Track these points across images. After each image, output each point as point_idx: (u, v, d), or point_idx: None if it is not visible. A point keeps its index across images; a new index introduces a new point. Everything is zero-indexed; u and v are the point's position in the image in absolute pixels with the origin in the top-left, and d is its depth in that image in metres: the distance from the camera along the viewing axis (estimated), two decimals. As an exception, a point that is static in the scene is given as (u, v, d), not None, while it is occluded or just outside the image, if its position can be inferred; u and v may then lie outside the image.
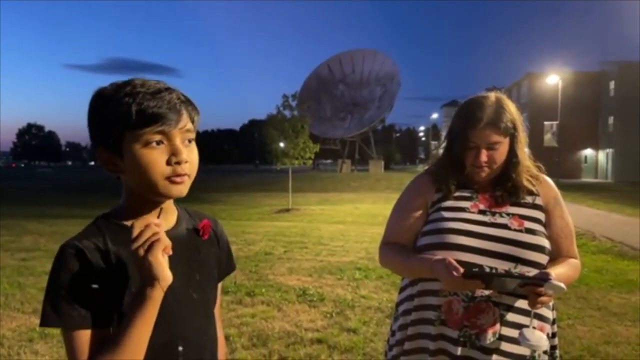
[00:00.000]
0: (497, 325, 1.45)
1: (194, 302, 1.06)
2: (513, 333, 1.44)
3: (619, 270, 7.07)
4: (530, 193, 1.58)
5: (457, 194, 1.58)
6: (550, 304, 1.51)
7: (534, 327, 1.41)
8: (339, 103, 61.72)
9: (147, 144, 0.95)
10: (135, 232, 0.91)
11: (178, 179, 0.97)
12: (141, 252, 0.89)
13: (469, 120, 1.51)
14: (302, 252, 8.04)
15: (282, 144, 19.48)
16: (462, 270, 1.32)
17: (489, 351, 1.45)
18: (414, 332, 1.55)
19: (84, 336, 0.92)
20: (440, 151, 1.68)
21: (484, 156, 1.51)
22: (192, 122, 1.00)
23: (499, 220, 1.53)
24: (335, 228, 11.92)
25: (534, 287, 1.32)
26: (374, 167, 56.95)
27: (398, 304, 1.66)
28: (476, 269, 1.43)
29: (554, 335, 1.57)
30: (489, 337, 1.45)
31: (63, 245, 0.96)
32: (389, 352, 1.66)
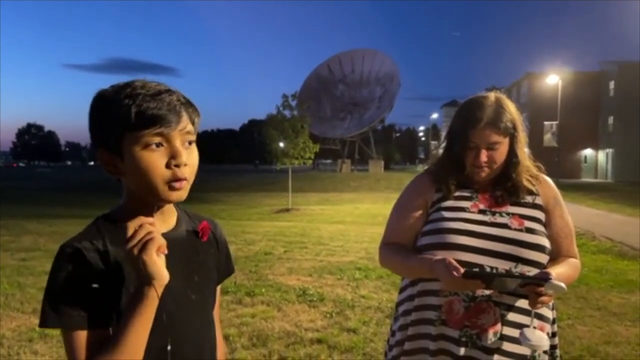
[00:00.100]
0: (498, 325, 1.45)
1: (192, 303, 1.06)
2: (514, 333, 1.44)
3: (618, 270, 7.07)
4: (530, 193, 1.58)
5: (457, 193, 1.58)
6: (550, 303, 1.51)
7: (534, 327, 1.41)
8: (338, 103, 61.71)
9: (146, 145, 0.94)
10: (129, 232, 0.91)
11: (177, 185, 0.97)
12: (135, 251, 0.89)
13: (469, 120, 1.51)
14: (302, 252, 8.04)
15: (282, 144, 19.48)
16: (462, 270, 1.32)
17: (491, 351, 1.45)
18: (414, 333, 1.55)
19: (83, 336, 0.92)
20: (440, 151, 1.68)
21: (484, 156, 1.51)
22: (193, 124, 1.00)
23: (499, 219, 1.53)
24: (335, 228, 11.92)
25: (534, 286, 1.32)
26: (374, 167, 56.94)
27: (398, 304, 1.66)
28: (476, 269, 1.43)
29: (554, 334, 1.57)
30: (490, 337, 1.45)
31: (62, 246, 0.96)
32: (389, 353, 1.66)
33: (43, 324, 0.93)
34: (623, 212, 15.65)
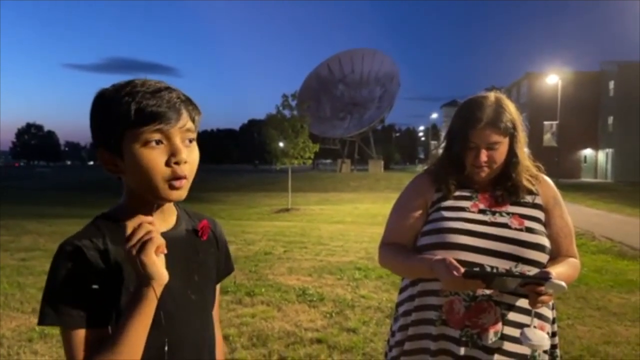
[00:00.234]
0: (499, 325, 1.45)
1: (192, 303, 1.05)
2: (514, 332, 1.44)
3: (618, 270, 7.07)
4: (530, 192, 1.58)
5: (456, 193, 1.58)
6: (550, 303, 1.51)
7: (534, 327, 1.41)
8: (338, 103, 61.69)
9: (146, 143, 0.94)
10: (128, 232, 0.91)
11: (177, 183, 0.97)
12: (133, 251, 0.89)
13: (468, 120, 1.51)
14: (302, 252, 8.04)
15: (281, 144, 19.48)
16: (462, 270, 1.32)
17: (491, 351, 1.45)
18: (414, 333, 1.55)
19: (82, 335, 0.91)
20: (440, 151, 1.68)
21: (483, 156, 1.51)
22: (193, 121, 1.00)
23: (499, 219, 1.53)
24: (334, 228, 11.92)
25: (534, 286, 1.32)
26: (374, 167, 56.95)
27: (398, 305, 1.66)
28: (477, 269, 1.43)
29: (554, 334, 1.58)
30: (491, 337, 1.45)
31: (62, 244, 0.95)
32: (389, 353, 1.65)
33: (42, 322, 0.92)
34: (623, 212, 15.65)
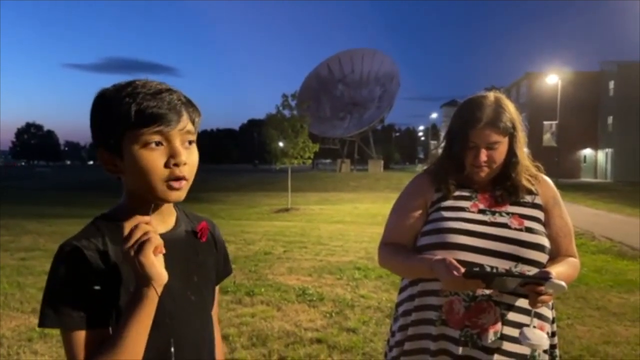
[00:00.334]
0: (499, 325, 1.45)
1: (191, 303, 1.06)
2: (514, 332, 1.44)
3: (618, 270, 7.07)
4: (530, 192, 1.58)
5: (456, 193, 1.58)
6: (550, 303, 1.51)
7: (534, 326, 1.41)
8: (338, 103, 61.72)
9: (146, 144, 0.94)
10: (126, 233, 0.90)
11: (176, 184, 0.97)
12: (131, 252, 0.89)
13: (468, 120, 1.51)
14: (302, 251, 8.04)
15: (281, 144, 19.46)
16: (462, 270, 1.32)
17: (491, 351, 1.45)
18: (414, 333, 1.55)
19: (83, 336, 0.91)
20: (440, 151, 1.68)
21: (483, 156, 1.51)
22: (193, 123, 1.00)
23: (499, 219, 1.53)
24: (334, 228, 11.92)
25: (534, 286, 1.32)
26: (374, 167, 56.96)
27: (398, 305, 1.66)
28: (477, 269, 1.43)
29: (553, 334, 1.58)
30: (491, 337, 1.45)
31: (62, 245, 0.95)
32: (388, 353, 1.65)
33: (42, 323, 0.92)
34: (622, 212, 15.65)
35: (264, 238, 9.57)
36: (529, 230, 1.51)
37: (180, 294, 1.03)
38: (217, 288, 1.20)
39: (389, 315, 4.26)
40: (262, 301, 5.00)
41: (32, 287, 5.34)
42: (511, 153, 1.55)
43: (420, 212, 1.60)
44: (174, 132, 0.95)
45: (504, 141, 1.53)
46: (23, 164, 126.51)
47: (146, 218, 0.95)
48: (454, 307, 1.48)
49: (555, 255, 1.55)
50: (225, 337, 3.86)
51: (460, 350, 1.45)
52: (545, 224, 1.56)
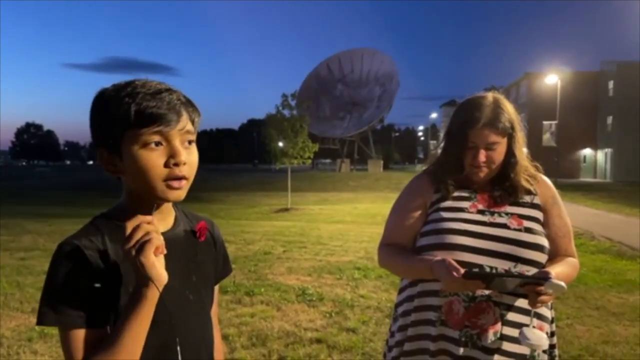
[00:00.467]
0: (498, 325, 1.46)
1: (190, 303, 1.06)
2: (514, 332, 1.44)
3: (617, 270, 7.07)
4: (529, 192, 1.58)
5: (455, 194, 1.58)
6: (549, 303, 1.51)
7: (534, 326, 1.42)
8: (338, 103, 61.71)
9: (145, 144, 0.94)
10: (127, 232, 0.90)
11: (176, 184, 0.97)
12: (133, 252, 0.89)
13: (467, 120, 1.51)
14: (301, 251, 8.04)
15: (281, 144, 19.45)
16: (462, 270, 1.32)
17: (491, 351, 1.45)
18: (414, 333, 1.55)
19: (81, 335, 0.91)
20: (439, 151, 1.68)
21: (482, 156, 1.51)
22: (193, 123, 1.00)
23: (498, 219, 1.53)
24: (334, 228, 11.92)
25: (534, 286, 1.32)
26: (373, 167, 56.98)
27: (397, 305, 1.66)
28: (476, 269, 1.43)
29: (552, 334, 1.58)
30: (490, 337, 1.45)
31: (61, 244, 0.95)
32: (388, 354, 1.66)
33: (40, 322, 0.92)
34: (622, 211, 15.66)
35: (263, 238, 9.57)
36: (528, 230, 1.51)
37: (178, 294, 1.03)
38: (216, 288, 1.20)
39: (389, 315, 4.26)
40: (261, 301, 5.01)
41: (31, 287, 5.34)
42: (510, 153, 1.55)
43: (419, 212, 1.60)
44: (174, 132, 0.95)
45: (503, 142, 1.53)
46: (24, 163, 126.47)
47: (148, 218, 0.96)
48: (454, 308, 1.48)
49: (555, 255, 1.55)
50: (225, 337, 3.86)
51: (460, 351, 1.46)
52: (544, 224, 1.56)
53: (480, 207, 1.56)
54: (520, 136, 1.57)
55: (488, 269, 1.46)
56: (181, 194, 0.99)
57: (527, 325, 1.41)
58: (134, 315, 0.90)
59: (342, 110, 61.79)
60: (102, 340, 0.91)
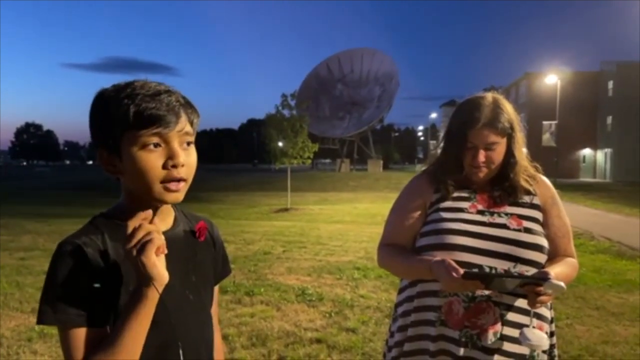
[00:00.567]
0: (498, 325, 1.46)
1: (190, 303, 1.06)
2: (514, 333, 1.44)
3: (617, 270, 7.07)
4: (528, 193, 1.58)
5: (455, 194, 1.59)
6: (549, 303, 1.51)
7: (533, 327, 1.42)
8: (337, 102, 61.72)
9: (144, 146, 0.94)
10: (128, 232, 0.91)
11: (173, 186, 0.97)
12: (134, 252, 0.89)
13: (466, 120, 1.51)
14: (301, 251, 8.04)
15: (280, 144, 19.44)
16: (461, 271, 1.32)
17: (491, 351, 1.45)
18: (414, 334, 1.55)
19: (81, 335, 0.92)
20: (438, 151, 1.68)
21: (481, 156, 1.51)
22: (191, 125, 1.00)
23: (498, 220, 1.53)
24: (334, 227, 11.92)
25: (533, 286, 1.32)
26: (373, 167, 56.99)
27: (397, 305, 1.66)
28: (476, 270, 1.43)
29: (552, 334, 1.58)
30: (490, 337, 1.45)
31: (61, 243, 0.95)
32: (388, 354, 1.66)
33: (40, 321, 0.93)
34: (621, 211, 15.66)
35: (263, 238, 9.57)
36: (528, 230, 1.51)
37: (179, 294, 1.03)
38: (216, 288, 1.20)
39: (389, 315, 4.26)
40: (261, 301, 5.01)
41: (31, 287, 5.34)
42: (509, 154, 1.55)
43: (419, 212, 1.60)
44: (173, 133, 0.96)
45: (502, 142, 1.53)
46: (24, 163, 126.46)
47: (149, 217, 0.95)
48: (453, 308, 1.48)
49: (554, 255, 1.55)
50: (224, 337, 3.86)
51: (460, 351, 1.46)
52: (544, 224, 1.56)
53: (480, 207, 1.56)
54: (520, 136, 1.57)
55: (487, 269, 1.46)
56: (179, 196, 0.99)
57: (527, 326, 1.41)
58: (134, 314, 0.90)
59: (342, 110, 61.79)
60: (101, 339, 0.91)
